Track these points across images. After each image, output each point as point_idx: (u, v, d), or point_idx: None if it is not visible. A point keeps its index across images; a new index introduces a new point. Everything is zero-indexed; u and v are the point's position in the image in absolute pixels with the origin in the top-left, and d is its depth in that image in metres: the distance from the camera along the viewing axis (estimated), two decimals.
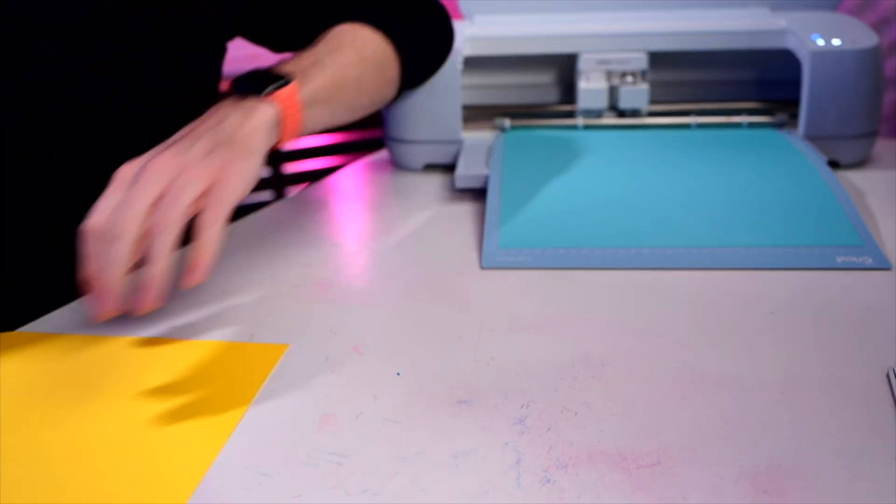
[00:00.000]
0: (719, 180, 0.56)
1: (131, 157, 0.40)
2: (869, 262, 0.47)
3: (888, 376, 0.36)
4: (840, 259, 0.47)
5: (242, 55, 1.60)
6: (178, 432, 0.34)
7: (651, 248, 0.49)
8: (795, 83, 0.62)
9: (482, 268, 0.49)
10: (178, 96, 0.51)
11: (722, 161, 0.59)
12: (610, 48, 0.64)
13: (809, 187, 0.54)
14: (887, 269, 0.47)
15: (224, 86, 0.47)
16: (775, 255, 0.48)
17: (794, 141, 0.61)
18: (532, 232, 0.51)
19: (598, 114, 0.66)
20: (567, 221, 0.52)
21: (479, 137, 0.65)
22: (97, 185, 0.39)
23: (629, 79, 0.64)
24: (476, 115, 0.68)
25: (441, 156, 0.65)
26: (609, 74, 0.65)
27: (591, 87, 0.64)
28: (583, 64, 0.64)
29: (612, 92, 0.65)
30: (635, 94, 0.64)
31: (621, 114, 0.66)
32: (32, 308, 0.44)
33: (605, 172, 0.58)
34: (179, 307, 0.45)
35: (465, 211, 0.58)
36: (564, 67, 0.70)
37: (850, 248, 0.48)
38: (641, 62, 0.64)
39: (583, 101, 0.65)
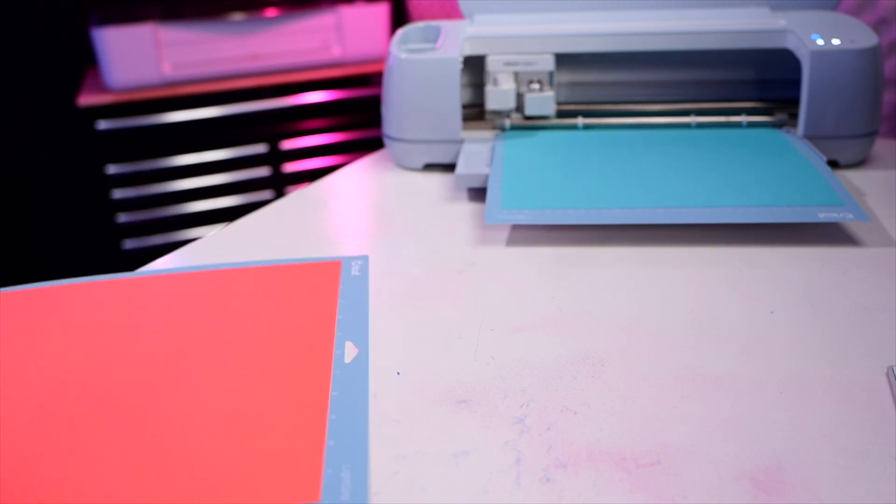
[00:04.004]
0: (712, 159, 0.59)
1: None
2: (850, 216, 0.50)
3: (888, 375, 0.36)
4: (822, 215, 0.50)
5: (244, 55, 1.60)
6: None
7: (644, 208, 0.52)
8: (795, 83, 0.62)
9: (486, 224, 0.53)
10: None
11: (716, 148, 0.61)
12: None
13: (795, 164, 0.57)
14: (867, 221, 0.49)
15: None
16: (760, 212, 0.50)
17: (791, 139, 0.61)
18: (533, 195, 0.54)
19: (506, 115, 0.66)
20: (567, 187, 0.55)
21: (479, 137, 0.65)
22: None
23: (535, 85, 0.65)
24: (476, 114, 0.68)
25: (441, 155, 0.65)
26: (517, 76, 0.65)
27: (498, 90, 0.64)
28: (490, 65, 0.64)
29: (520, 98, 0.66)
30: (541, 101, 0.65)
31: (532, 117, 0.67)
32: None
33: (604, 155, 0.60)
34: None
35: (465, 211, 0.58)
36: (566, 66, 0.70)
37: (832, 207, 0.51)
38: (548, 64, 0.64)
39: (491, 103, 0.65)
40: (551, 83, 0.65)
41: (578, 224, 0.53)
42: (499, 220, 0.52)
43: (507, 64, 0.64)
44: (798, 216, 0.50)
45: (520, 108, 0.66)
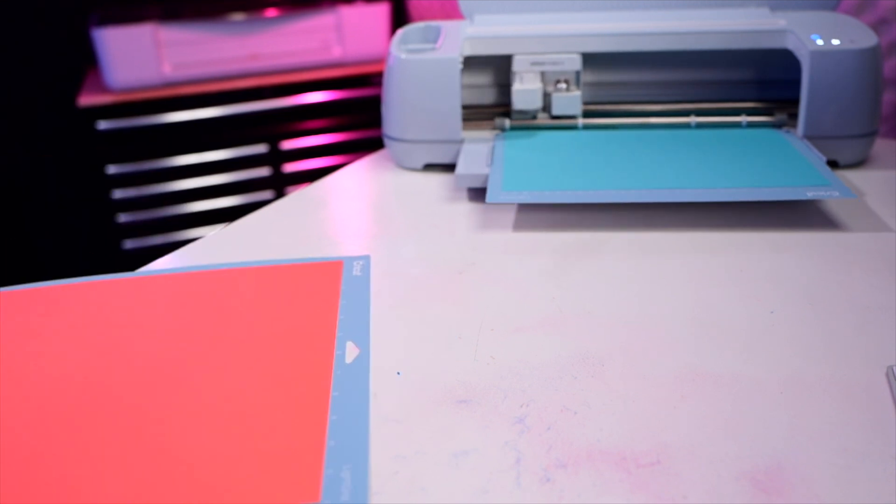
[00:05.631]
0: (709, 153, 0.60)
1: None
2: (836, 194, 0.52)
3: (888, 375, 0.36)
4: (810, 193, 0.52)
5: (244, 55, 1.60)
6: None
7: (639, 189, 0.54)
8: (795, 83, 0.62)
9: (487, 203, 0.55)
10: None
11: (715, 147, 0.62)
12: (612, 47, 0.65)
13: (785, 153, 0.59)
14: (854, 198, 0.52)
15: None
16: (751, 192, 0.53)
17: (790, 139, 0.61)
18: (534, 178, 0.57)
19: (532, 115, 0.66)
20: (566, 172, 0.57)
21: (479, 137, 0.65)
22: None
23: (562, 85, 0.65)
24: (476, 115, 0.69)
25: (441, 156, 0.65)
26: (543, 75, 0.65)
27: (524, 89, 0.64)
28: (517, 65, 0.64)
29: (546, 97, 0.66)
30: (568, 101, 0.65)
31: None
32: None
33: (603, 149, 0.62)
34: None
35: (464, 211, 0.58)
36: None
37: (819, 187, 0.53)
38: (575, 63, 0.64)
39: (517, 103, 0.65)
40: (578, 83, 0.66)
41: (576, 203, 0.55)
42: (500, 199, 0.53)
43: (535, 63, 0.64)
44: (787, 194, 0.52)
45: (546, 107, 0.66)
